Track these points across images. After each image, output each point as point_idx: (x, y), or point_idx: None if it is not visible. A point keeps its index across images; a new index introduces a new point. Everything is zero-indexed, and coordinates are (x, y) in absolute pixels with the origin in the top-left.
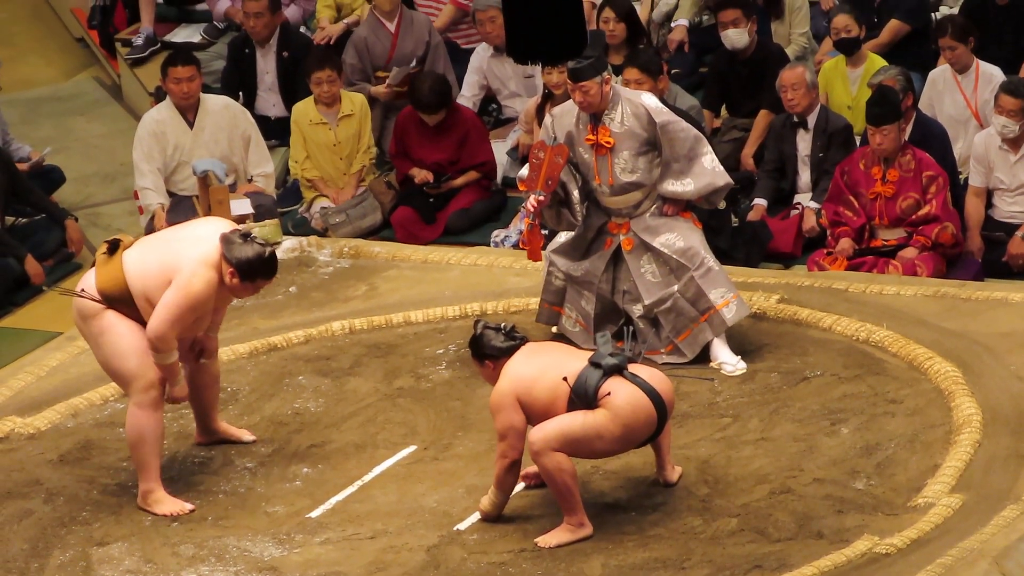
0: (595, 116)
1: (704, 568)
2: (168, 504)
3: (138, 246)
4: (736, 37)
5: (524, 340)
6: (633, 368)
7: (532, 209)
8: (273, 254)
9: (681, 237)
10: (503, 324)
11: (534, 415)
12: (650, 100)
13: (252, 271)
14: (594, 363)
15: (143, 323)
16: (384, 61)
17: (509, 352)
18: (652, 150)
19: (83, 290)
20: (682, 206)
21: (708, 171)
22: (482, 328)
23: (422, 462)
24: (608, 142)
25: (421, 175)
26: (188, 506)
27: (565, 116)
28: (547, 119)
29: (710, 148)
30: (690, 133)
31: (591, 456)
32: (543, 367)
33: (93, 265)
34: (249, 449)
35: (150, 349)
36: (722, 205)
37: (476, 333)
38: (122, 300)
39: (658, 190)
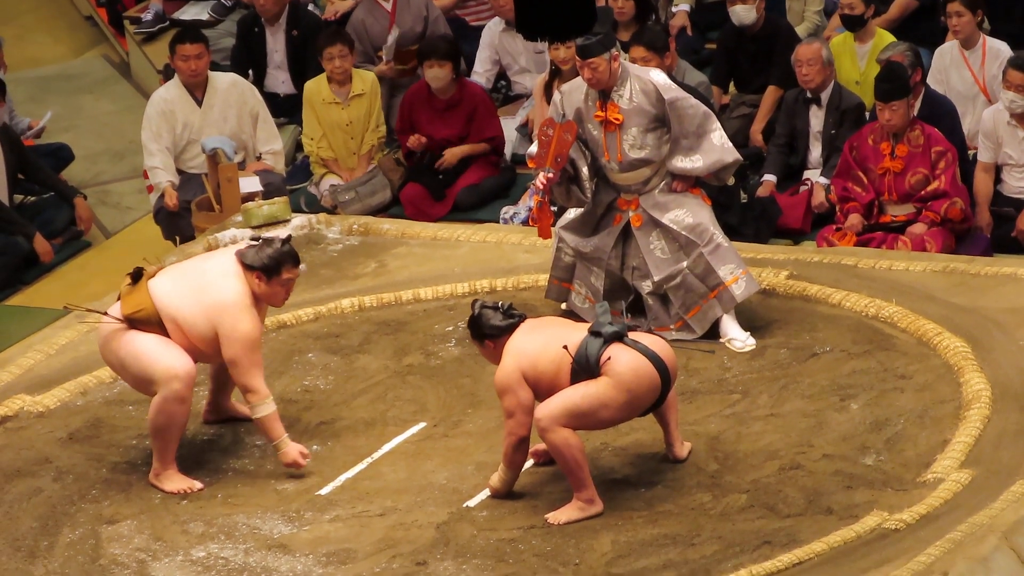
0: (604, 93)
1: (714, 544)
2: (177, 481)
3: (165, 275)
4: (744, 13)
5: (523, 317)
6: (633, 335)
7: (541, 187)
8: (288, 242)
9: (690, 213)
10: (501, 303)
11: (540, 390)
12: (659, 77)
13: (275, 264)
14: (594, 332)
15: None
16: (383, 41)
17: (509, 330)
18: (661, 127)
19: (106, 312)
20: (691, 182)
21: (717, 147)
22: (480, 308)
23: (432, 439)
24: (617, 119)
25: (414, 140)
26: (197, 484)
27: (574, 93)
28: (556, 96)
29: (719, 124)
30: (699, 110)
31: (599, 426)
32: (545, 341)
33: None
34: (258, 428)
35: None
36: (731, 181)
37: (474, 313)
38: (148, 323)
39: (667, 166)
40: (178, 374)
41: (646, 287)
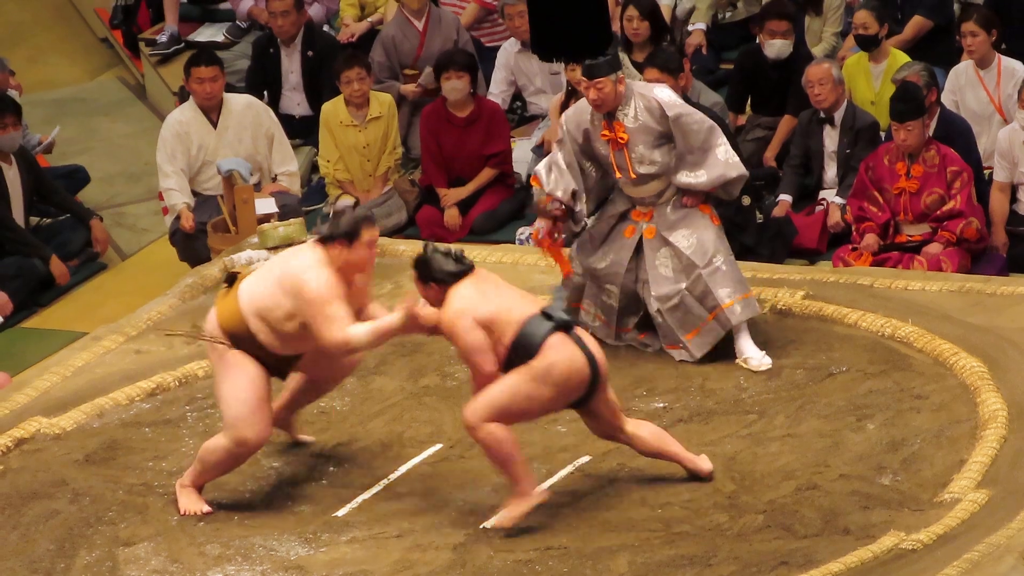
0: (609, 113)
1: (730, 565)
2: (191, 502)
3: (252, 275)
4: (783, 48)
5: (472, 267)
6: (578, 331)
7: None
8: (358, 206)
9: (695, 233)
10: (453, 249)
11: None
12: (662, 93)
13: (353, 227)
14: (545, 314)
15: (270, 359)
16: (412, 59)
17: (458, 277)
18: (668, 142)
19: (211, 336)
20: (701, 197)
21: (721, 162)
22: (431, 251)
23: (448, 460)
24: (623, 138)
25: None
26: (205, 508)
27: (579, 115)
28: (561, 123)
29: (724, 139)
30: (704, 124)
31: (527, 420)
32: (496, 306)
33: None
34: (275, 448)
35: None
36: (746, 201)
37: (425, 255)
38: (242, 335)
39: (673, 181)
40: (247, 441)
41: (653, 303)
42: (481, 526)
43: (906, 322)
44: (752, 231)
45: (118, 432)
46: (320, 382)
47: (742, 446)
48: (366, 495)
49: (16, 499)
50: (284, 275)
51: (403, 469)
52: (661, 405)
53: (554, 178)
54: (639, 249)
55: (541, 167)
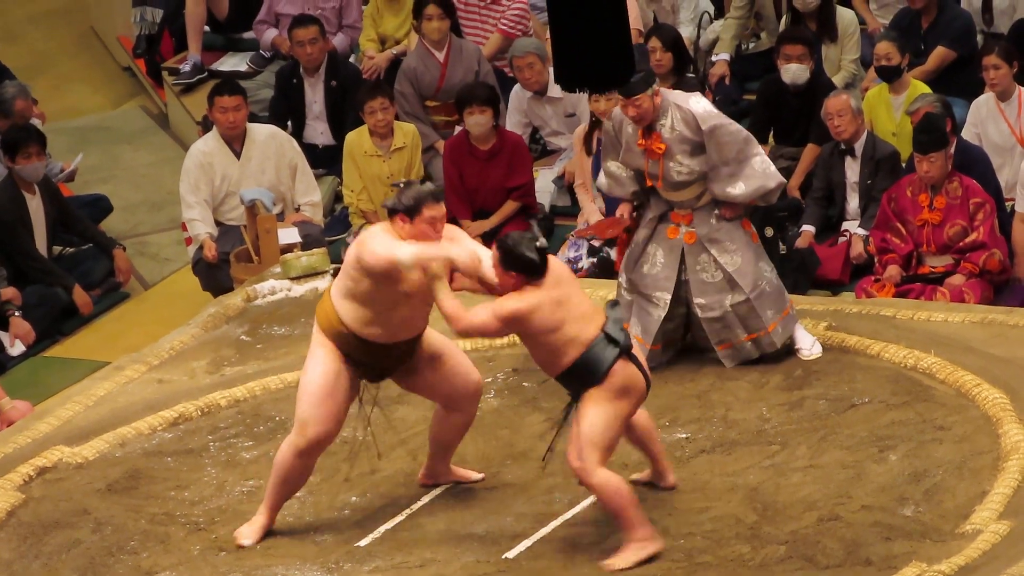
0: (648, 125)
1: None
2: (247, 530)
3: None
4: (799, 73)
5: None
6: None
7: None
8: (423, 181)
9: (739, 252)
10: (541, 242)
11: (529, 339)
12: (697, 105)
13: (415, 203)
14: (610, 338)
15: (366, 355)
16: (434, 91)
17: (535, 274)
18: (704, 151)
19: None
20: (740, 210)
21: (759, 173)
22: (519, 238)
23: (471, 490)
24: (660, 147)
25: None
26: (246, 542)
27: (620, 119)
28: (607, 124)
29: (760, 149)
30: (739, 136)
31: (617, 442)
32: (564, 324)
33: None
34: None
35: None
36: (769, 232)
37: (511, 242)
38: (337, 332)
39: (710, 193)
40: (311, 438)
41: (694, 306)
42: (503, 556)
43: (928, 353)
44: (775, 262)
45: (140, 462)
46: (447, 404)
47: (764, 477)
48: (389, 525)
49: (38, 528)
50: (355, 247)
51: (426, 499)
52: (684, 435)
53: (615, 185)
54: (680, 254)
55: (602, 181)
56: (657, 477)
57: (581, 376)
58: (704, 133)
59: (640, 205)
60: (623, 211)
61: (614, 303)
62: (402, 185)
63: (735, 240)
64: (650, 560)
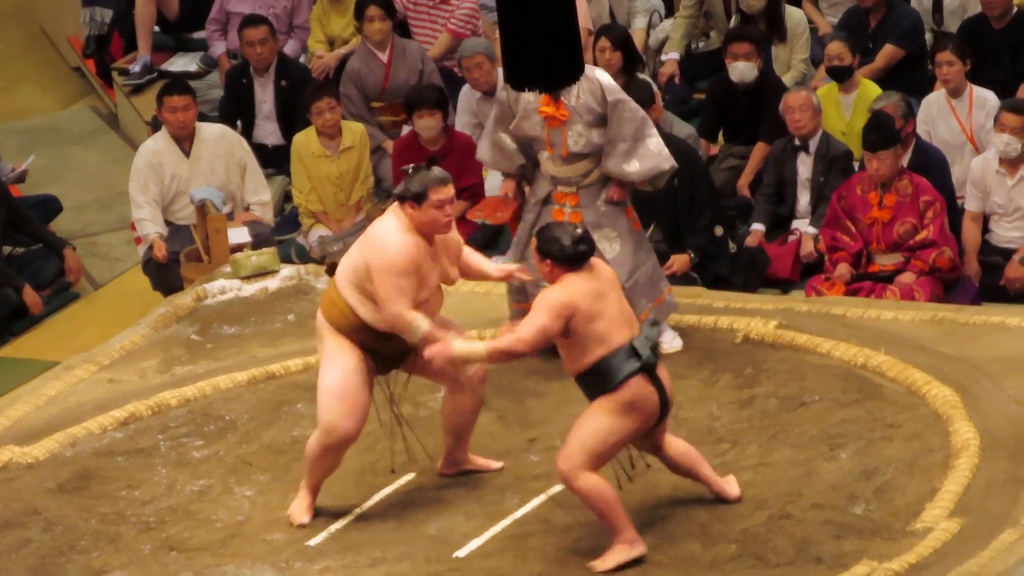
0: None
1: None
2: (300, 510)
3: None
4: (746, 71)
5: (589, 255)
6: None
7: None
8: (432, 163)
9: (619, 239)
10: (581, 230)
11: (567, 338)
12: (603, 76)
13: (421, 188)
14: (635, 351)
15: (377, 343)
16: (378, 92)
17: (573, 263)
18: (604, 124)
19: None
20: (627, 191)
21: (654, 153)
22: (558, 227)
23: (421, 489)
24: (564, 114)
25: None
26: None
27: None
28: (501, 93)
29: (656, 131)
30: (638, 114)
31: (612, 457)
32: (600, 319)
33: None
34: (248, 477)
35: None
36: (719, 230)
37: (552, 230)
38: (343, 321)
39: (604, 169)
40: (334, 430)
41: None
42: (454, 555)
43: (879, 351)
44: (725, 261)
45: (91, 461)
46: (454, 387)
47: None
48: (339, 524)
49: None
50: (367, 238)
51: (376, 498)
52: None
53: (501, 158)
54: None
55: (485, 152)
56: (720, 495)
57: (597, 380)
58: (608, 104)
59: (523, 179)
60: (507, 189)
61: (655, 322)
62: (409, 171)
63: (617, 227)
64: (635, 563)
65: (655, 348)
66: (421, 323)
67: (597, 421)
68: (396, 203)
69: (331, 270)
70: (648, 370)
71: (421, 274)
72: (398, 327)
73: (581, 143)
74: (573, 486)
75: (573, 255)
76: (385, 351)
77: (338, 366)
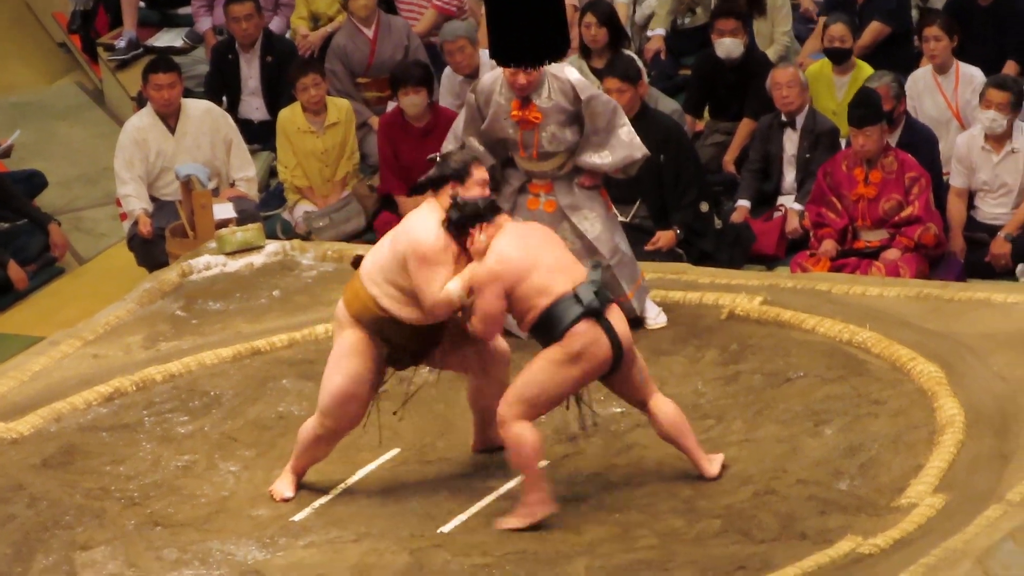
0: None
1: (688, 569)
2: (282, 485)
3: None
4: (732, 47)
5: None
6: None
7: None
8: (465, 148)
9: (598, 219)
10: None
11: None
12: (574, 74)
13: (462, 167)
14: (577, 297)
15: (401, 337)
16: (364, 68)
17: (492, 211)
18: (577, 121)
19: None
20: (599, 179)
21: (626, 143)
22: (460, 200)
23: (405, 464)
24: (536, 117)
25: None
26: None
27: (490, 91)
28: (470, 96)
29: (627, 120)
30: (609, 106)
31: (557, 405)
32: (536, 274)
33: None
34: (233, 453)
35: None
36: (705, 207)
37: (455, 203)
38: (367, 315)
39: (576, 161)
40: (331, 429)
41: None
42: (438, 530)
43: (864, 328)
44: (710, 237)
45: (75, 437)
46: (480, 374)
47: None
48: (323, 500)
49: None
50: (399, 231)
51: (361, 474)
52: (619, 410)
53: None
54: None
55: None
56: (698, 469)
57: (544, 330)
58: (582, 102)
59: (493, 179)
60: None
61: (597, 264)
62: (437, 158)
63: (594, 208)
64: (539, 526)
65: (600, 292)
66: (456, 291)
67: (540, 370)
68: (430, 193)
69: (356, 263)
70: (593, 314)
71: (458, 266)
72: (440, 313)
73: (555, 144)
74: (504, 432)
75: (480, 206)
76: (411, 346)
77: (351, 369)
